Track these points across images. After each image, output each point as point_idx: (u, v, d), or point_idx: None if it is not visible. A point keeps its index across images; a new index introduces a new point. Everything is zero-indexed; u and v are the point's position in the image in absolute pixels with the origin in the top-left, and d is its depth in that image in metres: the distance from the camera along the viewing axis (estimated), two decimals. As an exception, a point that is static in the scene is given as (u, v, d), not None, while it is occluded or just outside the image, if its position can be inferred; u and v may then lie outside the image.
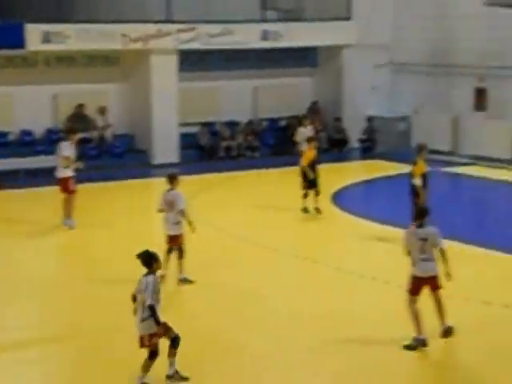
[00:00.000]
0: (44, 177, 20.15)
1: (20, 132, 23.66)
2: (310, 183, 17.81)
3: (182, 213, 12.84)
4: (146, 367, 9.26)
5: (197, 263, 13.60)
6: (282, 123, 27.05)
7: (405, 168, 23.45)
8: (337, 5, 26.72)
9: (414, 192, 15.39)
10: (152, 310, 9.10)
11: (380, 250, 15.56)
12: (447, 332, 10.23)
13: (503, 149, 22.94)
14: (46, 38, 23.00)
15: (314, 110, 26.59)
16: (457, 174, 22.64)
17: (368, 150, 26.06)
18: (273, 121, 27.29)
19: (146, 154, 24.63)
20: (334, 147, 26.25)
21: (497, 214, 19.00)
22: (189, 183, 18.66)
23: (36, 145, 23.35)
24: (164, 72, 24.62)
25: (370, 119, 26.35)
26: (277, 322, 11.50)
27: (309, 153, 17.97)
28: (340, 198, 20.05)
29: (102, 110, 23.91)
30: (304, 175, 17.85)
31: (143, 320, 9.20)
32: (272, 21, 26.38)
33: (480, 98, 23.97)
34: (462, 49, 24.67)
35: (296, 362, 10.10)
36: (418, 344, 10.11)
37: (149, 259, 9.37)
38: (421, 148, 15.82)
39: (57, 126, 23.86)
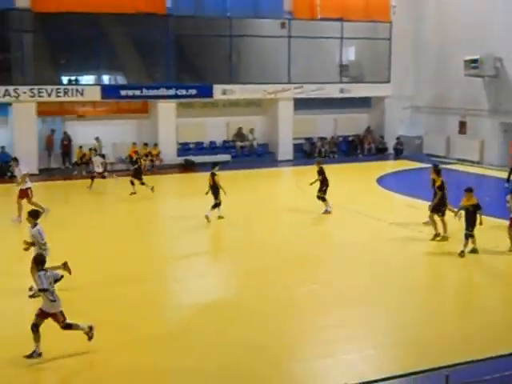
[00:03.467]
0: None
1: (209, 142, 37.03)
2: None
3: None
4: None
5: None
6: (350, 138, 40.31)
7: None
8: (382, 73, 37.76)
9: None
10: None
11: (406, 210, 22.60)
12: None
13: None
14: (223, 92, 35.25)
15: (368, 131, 40.95)
16: None
17: (399, 152, 39.40)
18: (345, 137, 39.73)
19: (274, 155, 36.53)
20: (379, 153, 40.15)
21: None
22: (300, 172, 31.88)
23: (217, 149, 37.32)
24: (285, 110, 35.75)
25: (400, 138, 39.13)
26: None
27: None
28: (382, 181, 29.35)
29: (251, 131, 38.18)
30: None
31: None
32: (345, 82, 37.39)
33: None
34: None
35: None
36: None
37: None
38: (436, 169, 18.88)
39: (228, 139, 37.70)
